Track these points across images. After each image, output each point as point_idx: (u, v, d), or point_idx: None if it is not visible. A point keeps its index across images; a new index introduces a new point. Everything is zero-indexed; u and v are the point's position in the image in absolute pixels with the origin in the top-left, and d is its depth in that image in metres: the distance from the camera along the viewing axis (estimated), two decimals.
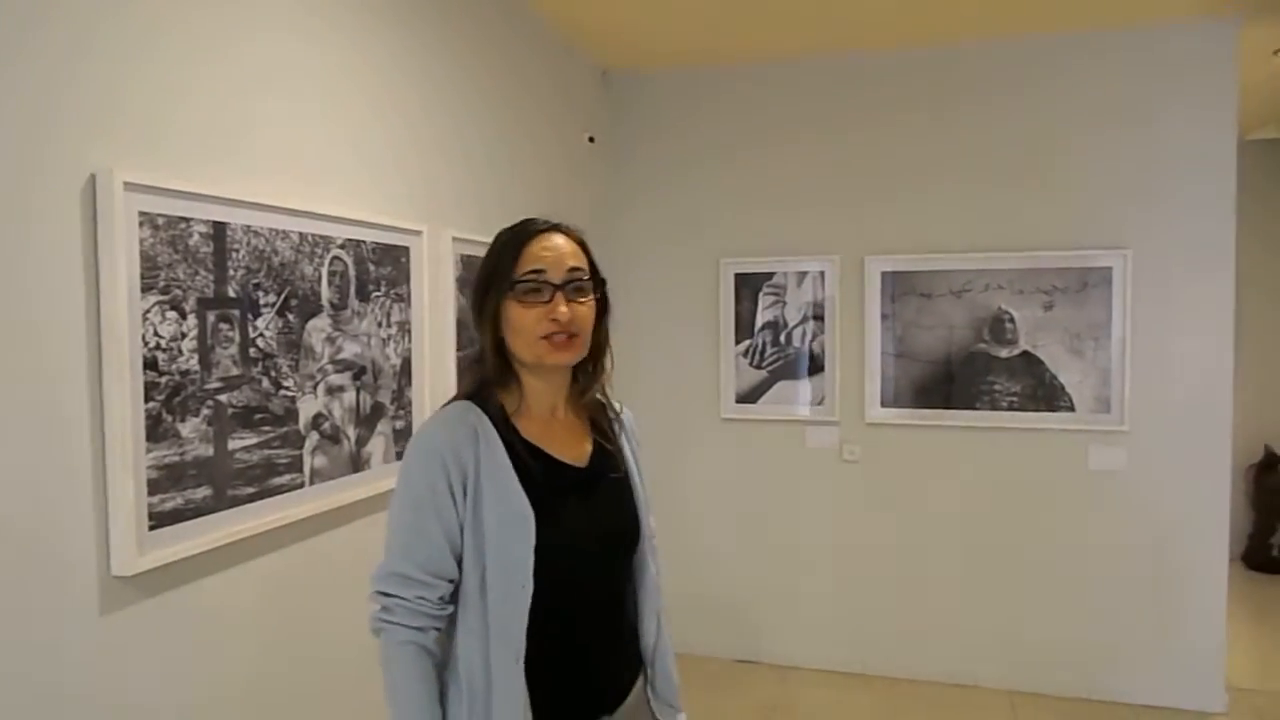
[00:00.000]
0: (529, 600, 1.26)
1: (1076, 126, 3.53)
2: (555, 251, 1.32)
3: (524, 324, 1.30)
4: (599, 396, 1.46)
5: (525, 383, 1.36)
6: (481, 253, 2.77)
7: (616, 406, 1.50)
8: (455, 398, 1.38)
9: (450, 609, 1.30)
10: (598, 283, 1.37)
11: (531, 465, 1.31)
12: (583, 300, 1.34)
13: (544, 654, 1.29)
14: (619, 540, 1.41)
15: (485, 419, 1.31)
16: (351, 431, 2.18)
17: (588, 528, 1.35)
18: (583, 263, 1.35)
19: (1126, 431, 3.50)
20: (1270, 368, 5.39)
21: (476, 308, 1.35)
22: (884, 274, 3.75)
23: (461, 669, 1.28)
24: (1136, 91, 3.46)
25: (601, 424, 1.45)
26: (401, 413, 2.39)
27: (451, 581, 1.29)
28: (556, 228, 1.36)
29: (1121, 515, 3.53)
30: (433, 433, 1.31)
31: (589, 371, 1.42)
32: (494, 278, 1.33)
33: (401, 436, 2.38)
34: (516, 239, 1.34)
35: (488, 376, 1.36)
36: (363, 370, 2.22)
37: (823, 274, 3.84)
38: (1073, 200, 3.55)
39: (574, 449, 1.39)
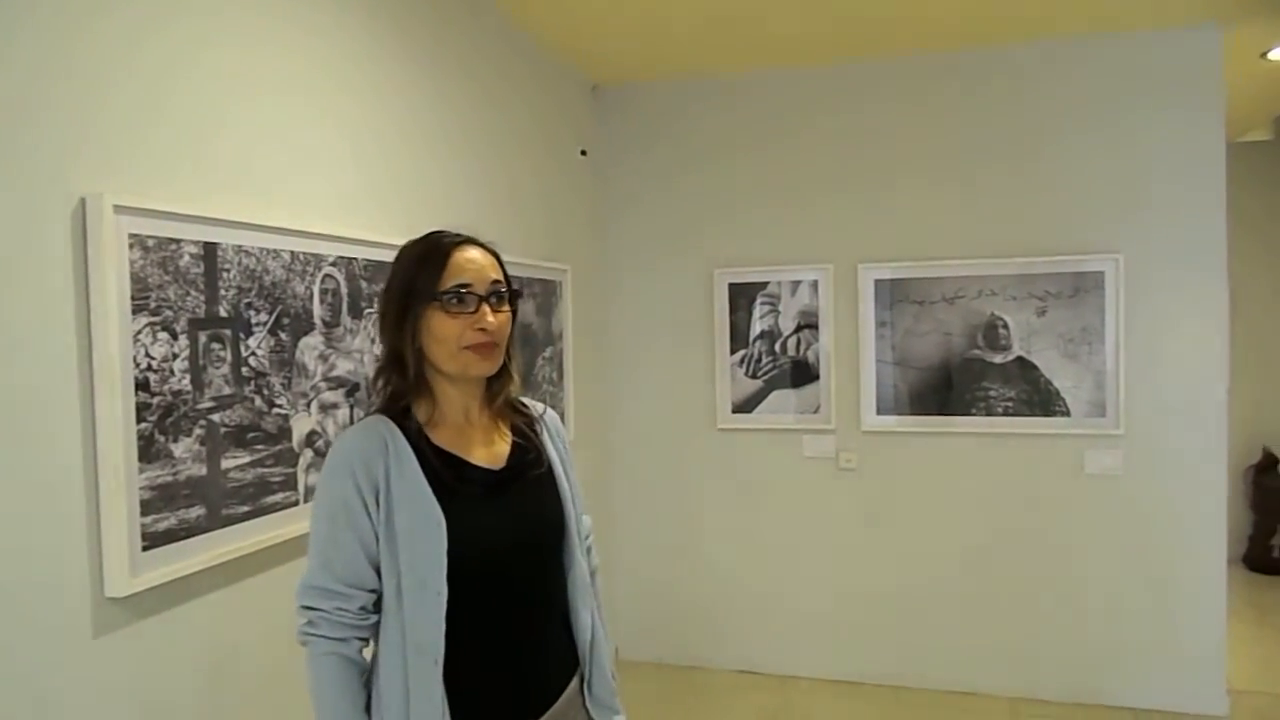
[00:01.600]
0: (444, 605, 1.28)
1: (1066, 132, 3.55)
2: (477, 265, 1.36)
3: (448, 334, 1.33)
4: (514, 401, 1.48)
5: (439, 391, 1.38)
6: None
7: (538, 408, 1.54)
8: (368, 412, 1.41)
9: (373, 618, 1.33)
10: (513, 294, 1.41)
11: (443, 471, 1.33)
12: (502, 310, 1.38)
13: (467, 657, 1.31)
14: (541, 539, 1.42)
15: (395, 430, 1.34)
16: None
17: (505, 528, 1.37)
18: (500, 275, 1.39)
19: (1122, 435, 3.51)
20: (1266, 368, 5.40)
21: (394, 318, 1.36)
22: (877, 282, 3.76)
23: (382, 677, 1.30)
24: (1125, 96, 3.48)
25: (520, 427, 1.47)
26: None
27: (372, 591, 1.32)
28: (473, 241, 1.40)
29: (1119, 519, 3.53)
30: (343, 446, 1.34)
31: (498, 376, 1.43)
32: (415, 289, 1.34)
33: None
34: (438, 251, 1.35)
35: (400, 388, 1.37)
36: (356, 387, 2.23)
37: (816, 283, 3.85)
38: (1064, 205, 3.56)
39: (489, 451, 1.41)
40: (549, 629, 1.43)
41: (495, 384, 1.43)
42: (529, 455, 1.44)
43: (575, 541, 1.47)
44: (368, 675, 1.34)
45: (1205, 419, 3.44)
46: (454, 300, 1.33)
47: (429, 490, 1.30)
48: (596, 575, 1.55)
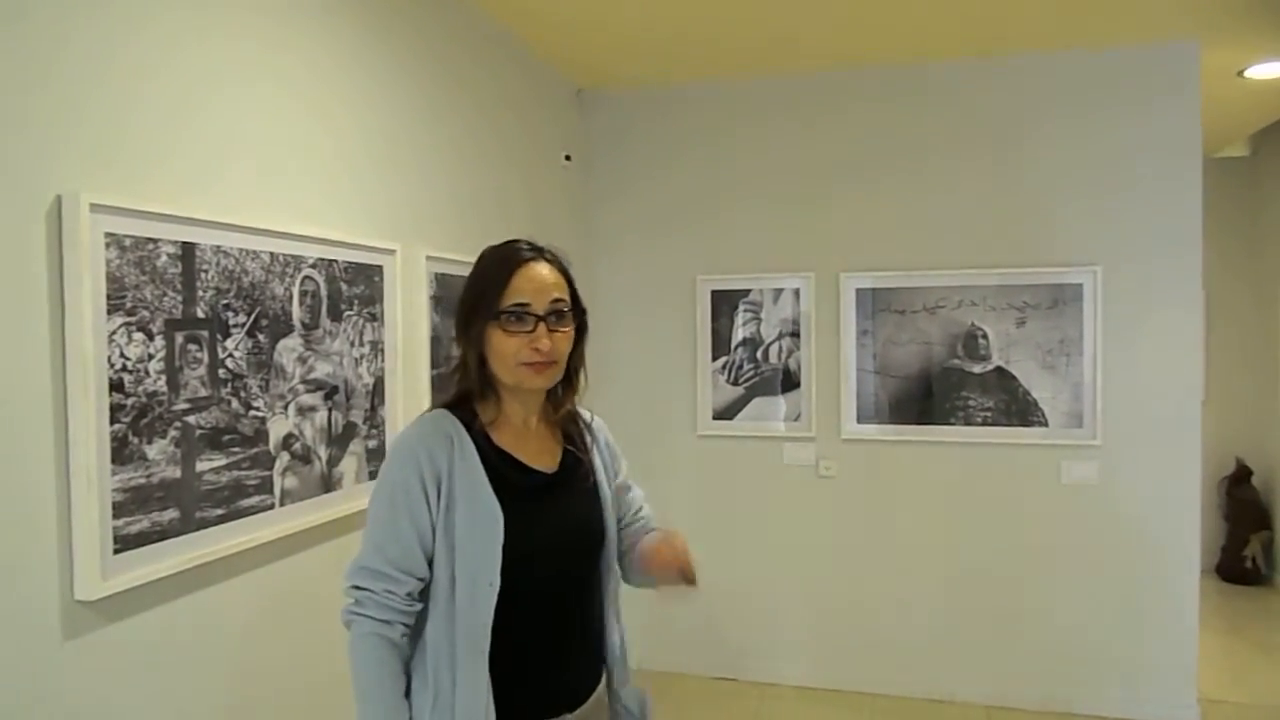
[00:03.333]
0: (495, 598, 1.33)
1: (1047, 144, 3.59)
2: (538, 283, 1.39)
3: (506, 350, 1.38)
4: (572, 412, 1.54)
5: (502, 397, 1.44)
6: (457, 271, 2.79)
7: (586, 416, 1.58)
8: (435, 405, 1.46)
9: (418, 606, 1.36)
10: (578, 310, 1.45)
11: (503, 469, 1.39)
12: (563, 329, 1.41)
13: (509, 651, 1.35)
14: (585, 543, 1.47)
15: (460, 426, 1.39)
16: (323, 451, 2.17)
17: (555, 530, 1.43)
18: (564, 292, 1.42)
19: (1099, 446, 3.54)
20: (1240, 380, 5.46)
21: (461, 329, 1.42)
22: (859, 291, 3.78)
23: (429, 663, 1.34)
24: (1105, 111, 3.52)
25: (573, 435, 1.53)
26: (374, 432, 2.38)
27: (421, 580, 1.36)
28: (541, 255, 1.43)
29: (1094, 529, 3.56)
30: (410, 436, 1.40)
31: (563, 389, 1.49)
32: (479, 305, 1.39)
33: (374, 456, 2.37)
34: (502, 268, 1.39)
35: (467, 389, 1.43)
36: (335, 390, 2.22)
37: (798, 291, 3.87)
38: (1043, 218, 3.60)
39: (545, 457, 1.47)
40: (585, 630, 1.48)
41: (557, 396, 1.49)
42: (580, 464, 1.51)
43: (613, 551, 1.53)
44: (408, 663, 1.37)
45: (1180, 430, 3.48)
46: (511, 319, 1.37)
47: (489, 486, 1.36)
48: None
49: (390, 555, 1.34)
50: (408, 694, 1.35)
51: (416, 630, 1.37)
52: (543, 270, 1.41)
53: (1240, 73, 3.76)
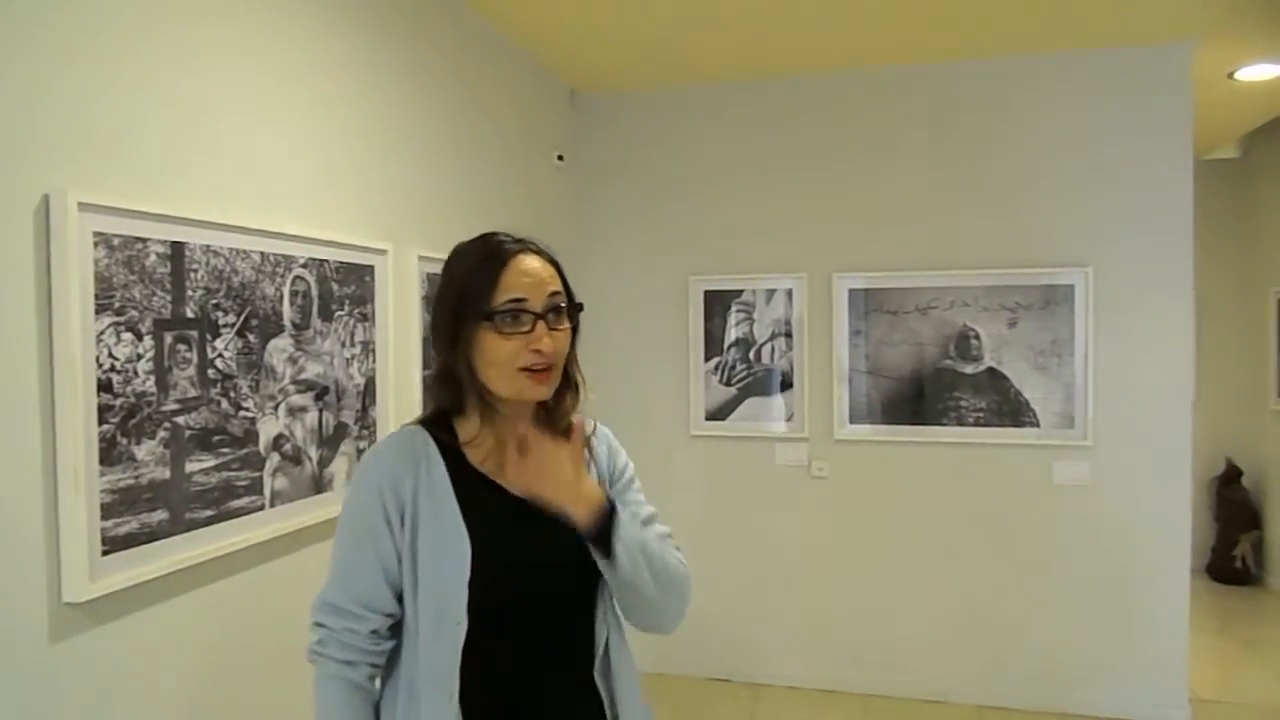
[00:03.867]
0: (463, 637, 1.19)
1: (1038, 146, 3.59)
2: (534, 277, 1.24)
3: (501, 356, 1.22)
4: (570, 425, 1.34)
5: (489, 413, 1.28)
6: None
7: (588, 426, 1.38)
8: (411, 422, 1.33)
9: (386, 644, 1.26)
10: (574, 307, 1.29)
11: (477, 493, 1.25)
12: (561, 327, 1.26)
13: (487, 692, 1.22)
14: (574, 570, 1.27)
15: (432, 444, 1.26)
16: (314, 452, 2.16)
17: (535, 560, 1.26)
18: (559, 286, 1.28)
19: (1090, 446, 3.55)
20: (1230, 381, 5.49)
21: (445, 335, 1.26)
22: (851, 291, 3.79)
23: (399, 709, 1.23)
24: (1097, 112, 3.53)
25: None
26: (365, 433, 2.37)
27: (389, 615, 1.25)
28: (528, 247, 1.28)
29: (1086, 529, 3.57)
30: (373, 459, 1.28)
31: (560, 399, 1.31)
32: (466, 304, 1.23)
33: None
34: (491, 262, 1.24)
35: (447, 403, 1.29)
36: (325, 390, 2.21)
37: (791, 292, 3.87)
38: (1035, 218, 3.60)
39: None
40: (577, 662, 1.30)
41: (553, 406, 1.31)
42: None
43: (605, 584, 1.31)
44: (379, 704, 1.27)
45: (1171, 431, 3.49)
46: (507, 320, 1.22)
47: (458, 513, 1.22)
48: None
49: (352, 589, 1.23)
50: None
51: (390, 667, 1.27)
52: (535, 263, 1.26)
53: (1231, 75, 3.78)
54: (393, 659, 1.27)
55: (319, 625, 1.26)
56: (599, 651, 1.32)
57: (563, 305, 1.27)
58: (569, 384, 1.32)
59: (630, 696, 1.35)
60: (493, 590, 1.21)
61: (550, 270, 1.28)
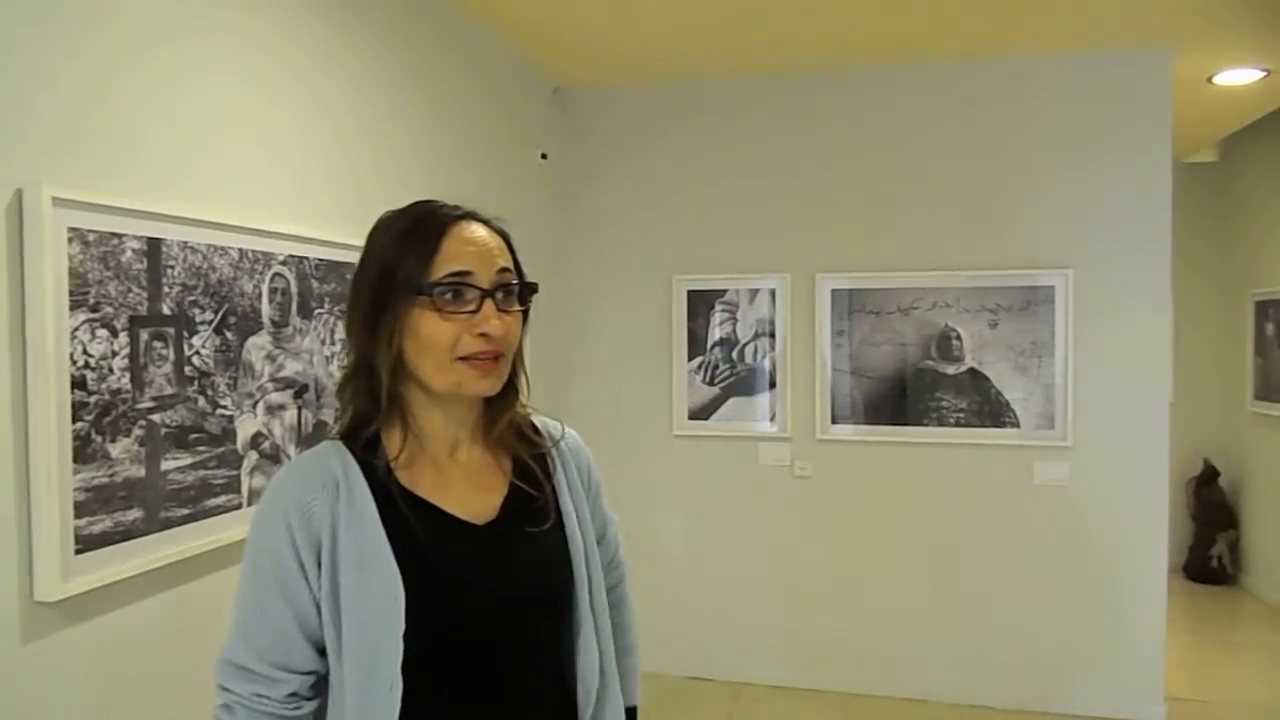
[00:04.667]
0: (398, 703, 0.98)
1: (1020, 149, 3.62)
2: (480, 246, 1.04)
3: (439, 340, 1.01)
4: (521, 426, 1.16)
5: (417, 415, 1.07)
6: None
7: (555, 432, 1.20)
8: (330, 434, 1.11)
9: (308, 706, 1.05)
10: (526, 288, 1.09)
11: (412, 523, 1.02)
12: (512, 310, 1.06)
13: None
14: (535, 610, 1.09)
15: (353, 465, 1.04)
16: (293, 450, 2.14)
17: (484, 602, 1.04)
18: (509, 261, 1.08)
19: (1069, 447, 3.58)
20: (1208, 382, 5.55)
21: (365, 315, 1.04)
22: (834, 291, 3.80)
23: None
24: (1077, 116, 3.56)
25: (526, 462, 1.13)
26: None
27: (308, 674, 1.04)
28: (474, 216, 1.09)
29: (1065, 529, 3.60)
30: (279, 486, 1.04)
31: (500, 396, 1.10)
32: (395, 277, 1.01)
33: None
34: (425, 228, 1.03)
35: (367, 409, 1.06)
36: (305, 388, 2.19)
37: (774, 291, 3.87)
38: (1016, 221, 3.63)
39: (477, 499, 1.09)
40: (545, 709, 1.11)
41: (495, 406, 1.11)
42: (532, 504, 1.11)
43: (585, 615, 1.11)
44: None
45: (1149, 432, 3.52)
46: (448, 295, 1.01)
47: (388, 550, 1.00)
48: (624, 603, 1.26)
49: (260, 647, 1.01)
50: None
51: None
52: (481, 231, 1.06)
53: (1210, 79, 3.81)
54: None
55: (224, 689, 1.04)
56: (585, 706, 1.11)
57: (514, 284, 1.07)
58: (509, 382, 1.10)
59: None
60: (432, 645, 1.00)
61: (499, 241, 1.08)
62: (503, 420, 1.12)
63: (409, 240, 1.03)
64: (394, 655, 0.97)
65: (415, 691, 0.99)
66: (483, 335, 1.02)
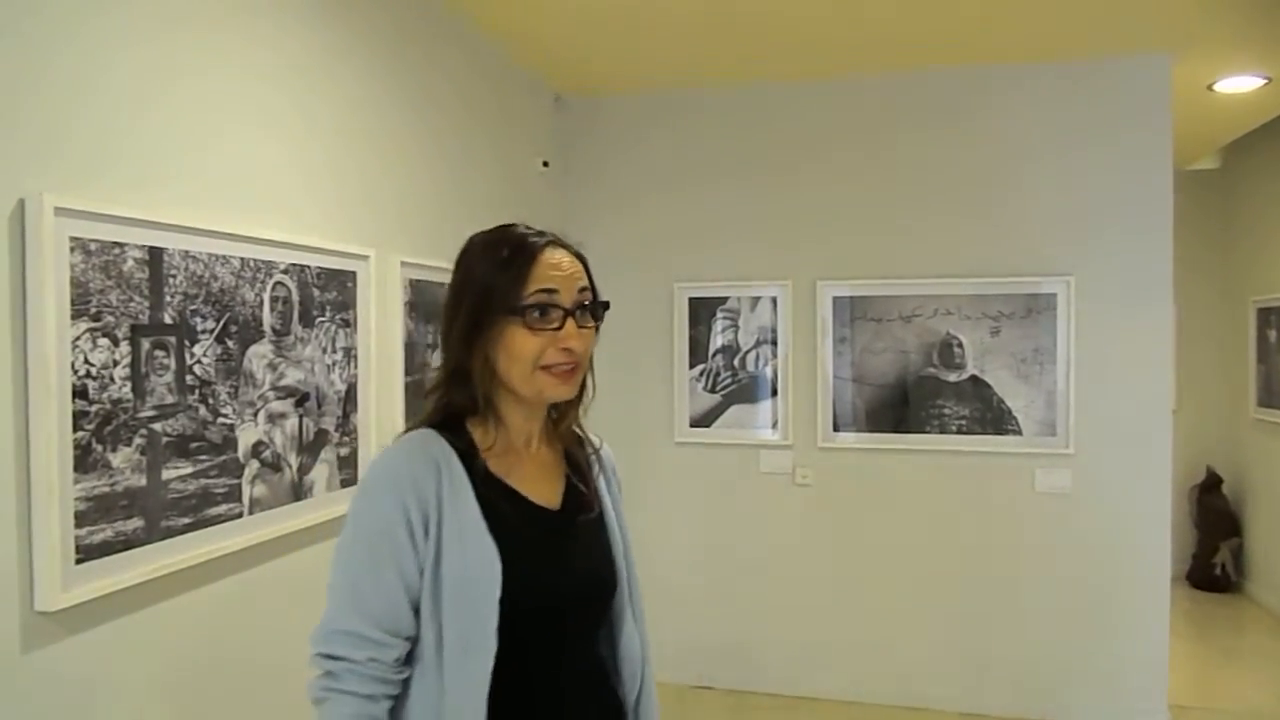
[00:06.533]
0: (491, 662, 1.10)
1: (1021, 155, 3.62)
2: (564, 271, 1.17)
3: (526, 352, 1.14)
4: (576, 429, 1.31)
5: (505, 414, 1.20)
6: (432, 277, 2.77)
7: (595, 441, 1.34)
8: (414, 426, 1.21)
9: (407, 671, 1.13)
10: (599, 306, 1.22)
11: (500, 506, 1.15)
12: (588, 326, 1.20)
13: (510, 717, 1.13)
14: (595, 590, 1.24)
15: (450, 451, 1.15)
16: (294, 459, 2.14)
17: (560, 578, 1.20)
18: (587, 282, 1.21)
19: (1072, 454, 3.57)
20: (1210, 389, 5.54)
21: (464, 329, 1.17)
22: (836, 299, 3.80)
23: None
24: (1079, 123, 3.56)
25: (577, 459, 1.29)
26: (347, 439, 2.36)
27: (409, 640, 1.12)
28: (559, 242, 1.21)
29: (1067, 536, 3.59)
30: (391, 464, 1.15)
31: (570, 404, 1.25)
32: (492, 298, 1.15)
33: (346, 464, 2.35)
34: (520, 254, 1.16)
35: (458, 405, 1.19)
36: (306, 396, 2.19)
37: (775, 299, 3.87)
38: (1018, 227, 3.63)
39: (546, 488, 1.24)
40: (596, 686, 1.25)
41: (562, 407, 1.25)
42: (583, 496, 1.26)
43: (625, 599, 1.28)
44: None
45: (1151, 439, 3.51)
46: (536, 314, 1.14)
47: (484, 525, 1.12)
48: (648, 643, 1.37)
49: (374, 614, 1.09)
50: None
51: (398, 702, 1.14)
52: (564, 257, 1.19)
53: (1210, 86, 3.82)
54: (414, 686, 1.13)
55: (332, 658, 1.10)
56: (624, 677, 1.28)
57: (588, 304, 1.20)
58: (580, 389, 1.24)
59: (650, 713, 1.31)
60: (521, 613, 1.12)
61: (578, 266, 1.21)
62: (570, 419, 1.27)
63: (504, 266, 1.16)
64: (490, 619, 1.10)
65: (505, 651, 1.11)
66: (565, 349, 1.16)
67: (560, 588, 1.19)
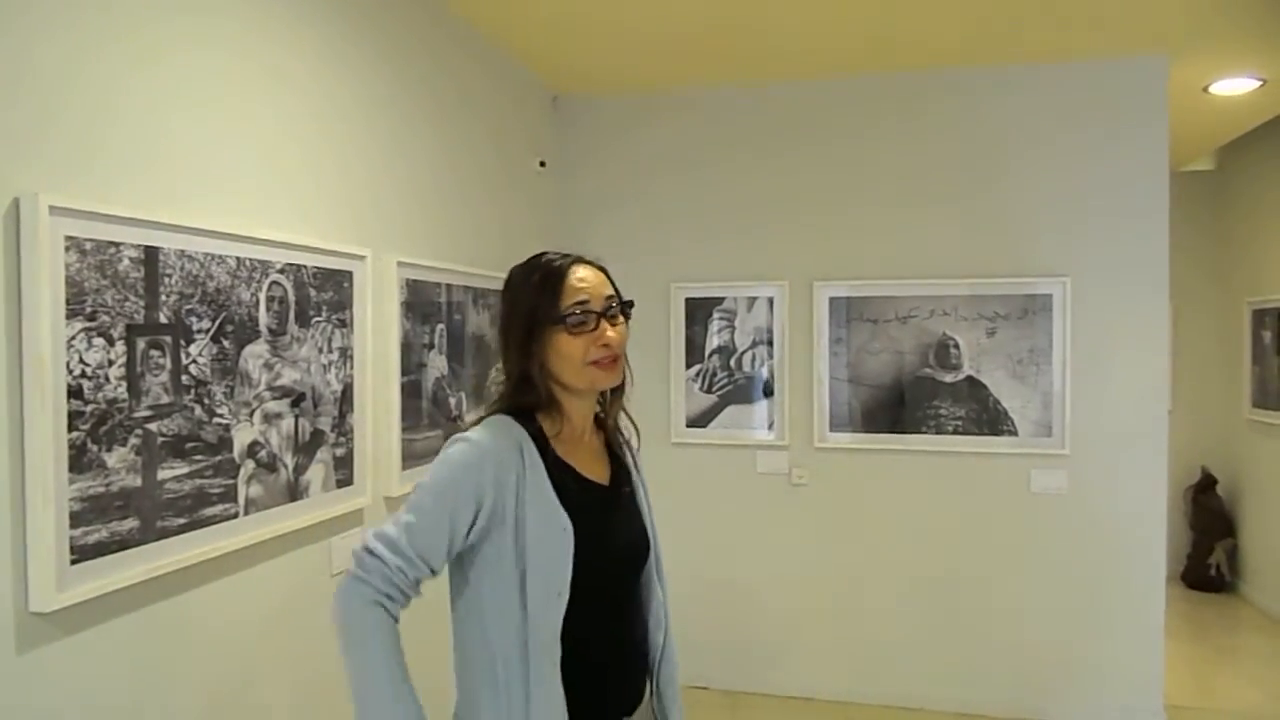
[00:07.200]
0: (563, 610, 1.34)
1: (1017, 156, 3.63)
2: (590, 282, 1.43)
3: (574, 352, 1.40)
4: (624, 417, 1.56)
5: (566, 408, 1.45)
6: (428, 277, 2.77)
7: (628, 431, 1.60)
8: (489, 414, 1.44)
9: (414, 597, 1.35)
10: (625, 305, 1.48)
11: (566, 482, 1.40)
12: (618, 324, 1.45)
13: (574, 660, 1.36)
14: (636, 554, 1.51)
15: (527, 435, 1.39)
16: (289, 459, 2.14)
17: (613, 543, 1.45)
18: (611, 289, 1.47)
19: (1067, 455, 3.58)
20: (1206, 390, 5.55)
21: (519, 343, 1.42)
22: (832, 299, 3.80)
23: (499, 677, 1.33)
24: (1075, 124, 3.57)
25: (614, 444, 1.55)
26: (343, 440, 2.35)
27: (432, 572, 1.35)
28: (581, 259, 1.46)
29: (1063, 537, 3.60)
30: (485, 442, 1.37)
31: (611, 394, 1.52)
32: (538, 314, 1.40)
33: (342, 464, 2.34)
34: (552, 275, 1.42)
35: (529, 402, 1.43)
36: (302, 397, 2.19)
37: (772, 299, 3.87)
38: (1014, 228, 3.63)
39: (599, 468, 1.50)
40: (633, 641, 1.51)
41: (609, 396, 1.52)
42: (626, 476, 1.54)
43: (652, 566, 1.55)
44: (472, 679, 1.37)
45: (1147, 440, 3.52)
46: (576, 320, 1.40)
47: (556, 498, 1.37)
48: (668, 597, 1.61)
49: (416, 541, 1.32)
50: (476, 700, 1.36)
51: (474, 645, 1.37)
52: (588, 271, 1.45)
53: (1206, 88, 3.83)
54: (476, 637, 1.36)
55: (371, 554, 1.31)
56: (651, 634, 1.54)
57: (616, 305, 1.46)
58: (619, 385, 1.50)
59: (669, 679, 1.56)
60: (586, 568, 1.36)
61: (601, 276, 1.47)
62: (616, 408, 1.54)
63: (542, 286, 1.42)
64: (565, 572, 1.34)
65: (571, 601, 1.34)
66: (604, 345, 1.41)
67: (616, 548, 1.46)
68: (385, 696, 1.27)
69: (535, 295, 1.41)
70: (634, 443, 1.61)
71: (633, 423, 1.59)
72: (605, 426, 1.55)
